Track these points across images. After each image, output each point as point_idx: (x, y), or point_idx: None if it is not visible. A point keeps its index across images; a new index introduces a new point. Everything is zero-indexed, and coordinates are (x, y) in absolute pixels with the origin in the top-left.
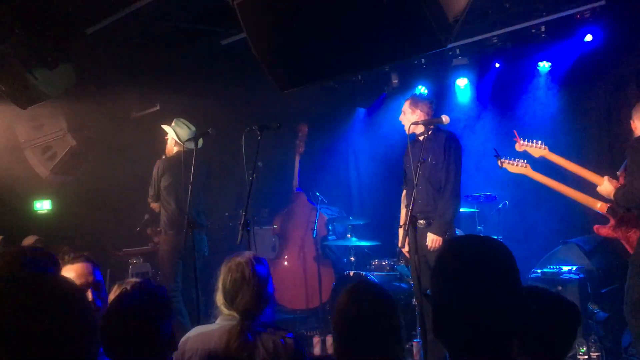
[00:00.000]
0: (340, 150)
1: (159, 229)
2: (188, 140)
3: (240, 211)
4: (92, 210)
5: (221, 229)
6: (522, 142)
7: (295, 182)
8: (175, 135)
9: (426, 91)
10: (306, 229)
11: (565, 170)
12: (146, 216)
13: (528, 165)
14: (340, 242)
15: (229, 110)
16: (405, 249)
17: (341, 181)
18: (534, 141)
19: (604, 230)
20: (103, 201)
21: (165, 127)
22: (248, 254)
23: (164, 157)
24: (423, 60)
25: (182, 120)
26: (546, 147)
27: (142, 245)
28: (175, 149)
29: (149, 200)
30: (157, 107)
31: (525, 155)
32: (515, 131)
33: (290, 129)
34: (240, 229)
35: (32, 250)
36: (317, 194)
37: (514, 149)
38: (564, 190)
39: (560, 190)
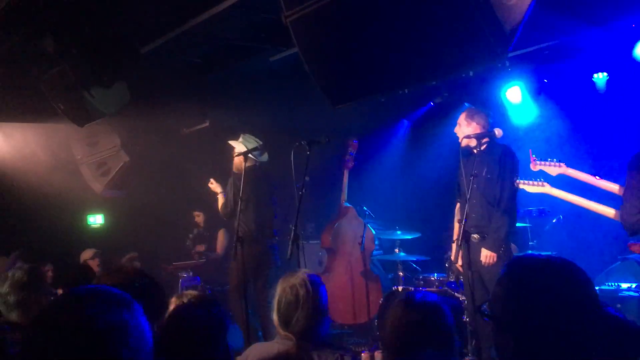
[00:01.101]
0: (388, 163)
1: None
2: (252, 152)
3: (290, 226)
4: (143, 224)
5: None
6: (537, 162)
7: (344, 197)
8: (245, 149)
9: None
10: (354, 243)
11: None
12: (193, 232)
13: (546, 183)
14: (388, 257)
15: (277, 125)
16: (459, 264)
17: (389, 195)
18: (550, 160)
19: (636, 247)
20: (153, 215)
21: (233, 142)
22: (302, 275)
23: (235, 173)
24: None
25: (249, 135)
26: (563, 164)
27: (190, 259)
28: (246, 164)
29: (222, 214)
30: (207, 124)
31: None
32: (530, 151)
33: (338, 143)
34: (290, 243)
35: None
36: (365, 208)
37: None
38: (588, 205)
39: (583, 205)
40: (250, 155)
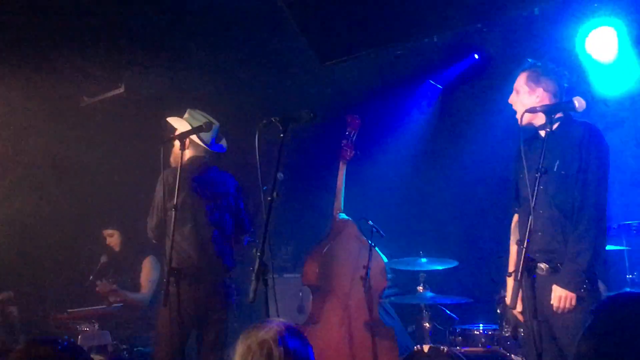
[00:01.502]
0: (406, 153)
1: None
2: (199, 134)
3: (254, 251)
4: (21, 248)
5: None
6: None
7: (338, 205)
8: (190, 132)
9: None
10: (354, 278)
11: None
12: (102, 259)
13: None
14: (408, 299)
15: (236, 94)
16: (518, 309)
17: (408, 201)
18: None
19: None
20: (37, 234)
21: (172, 120)
22: (276, 327)
23: (170, 168)
24: (536, 10)
25: (199, 111)
26: None
27: (96, 304)
28: (190, 154)
29: (150, 234)
30: (122, 89)
31: None
32: None
33: (330, 121)
34: (253, 278)
35: None
36: (370, 222)
37: None
38: None
39: None
40: (196, 139)
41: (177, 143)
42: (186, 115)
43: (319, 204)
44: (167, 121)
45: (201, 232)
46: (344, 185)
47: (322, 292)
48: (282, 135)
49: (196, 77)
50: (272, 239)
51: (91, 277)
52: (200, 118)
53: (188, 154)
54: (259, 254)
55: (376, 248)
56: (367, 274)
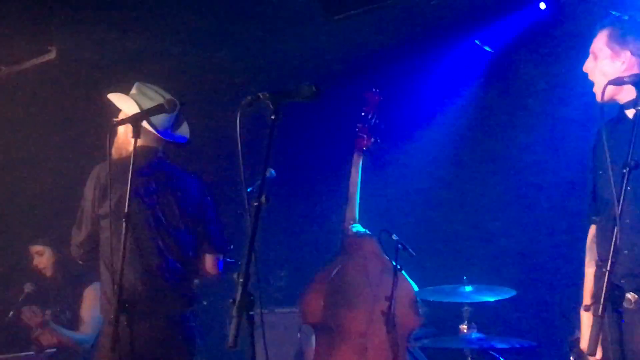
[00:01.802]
0: (441, 144)
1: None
2: (152, 116)
3: (234, 276)
4: None
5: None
6: None
7: (352, 213)
8: (138, 109)
9: None
10: (372, 313)
11: None
12: (27, 288)
13: None
14: (448, 343)
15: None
16: (597, 357)
17: (445, 209)
18: None
19: None
20: None
21: (114, 97)
22: None
23: (106, 160)
24: None
25: (149, 86)
26: None
27: (20, 349)
28: (136, 143)
29: (74, 252)
30: (52, 55)
31: None
32: None
33: (341, 99)
34: (233, 314)
35: None
36: (395, 237)
37: None
38: None
39: None
40: (147, 125)
41: (121, 129)
42: (133, 91)
43: (323, 212)
44: (108, 99)
45: (148, 251)
46: (359, 186)
47: (328, 333)
48: (272, 117)
49: (152, 36)
50: (260, 259)
51: (11, 312)
52: (154, 95)
53: (141, 142)
54: (241, 280)
55: (403, 272)
56: (390, 307)
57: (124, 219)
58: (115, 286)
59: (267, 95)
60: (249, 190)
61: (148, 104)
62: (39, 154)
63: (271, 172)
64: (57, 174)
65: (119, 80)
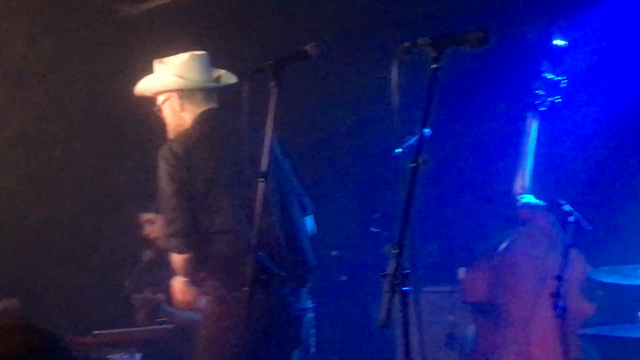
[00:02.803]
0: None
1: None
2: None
3: (387, 247)
4: (27, 238)
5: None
6: None
7: (523, 181)
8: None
9: None
10: (537, 295)
11: None
12: (145, 256)
13: None
14: (626, 332)
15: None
16: None
17: (631, 176)
18: None
19: None
20: (49, 218)
21: (151, 79)
22: None
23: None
24: None
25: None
26: None
27: (135, 323)
28: (198, 110)
29: (171, 242)
30: None
31: None
32: None
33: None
34: (386, 289)
35: None
36: (567, 207)
37: None
38: None
39: None
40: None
41: (172, 105)
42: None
43: (485, 180)
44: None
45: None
46: (533, 152)
47: (492, 315)
48: (433, 66)
49: None
50: (413, 231)
51: (127, 282)
52: (191, 62)
53: (192, 111)
54: (394, 252)
55: (576, 249)
56: (559, 289)
57: (262, 179)
58: (252, 255)
59: (428, 40)
60: (397, 151)
61: (179, 68)
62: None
63: (426, 130)
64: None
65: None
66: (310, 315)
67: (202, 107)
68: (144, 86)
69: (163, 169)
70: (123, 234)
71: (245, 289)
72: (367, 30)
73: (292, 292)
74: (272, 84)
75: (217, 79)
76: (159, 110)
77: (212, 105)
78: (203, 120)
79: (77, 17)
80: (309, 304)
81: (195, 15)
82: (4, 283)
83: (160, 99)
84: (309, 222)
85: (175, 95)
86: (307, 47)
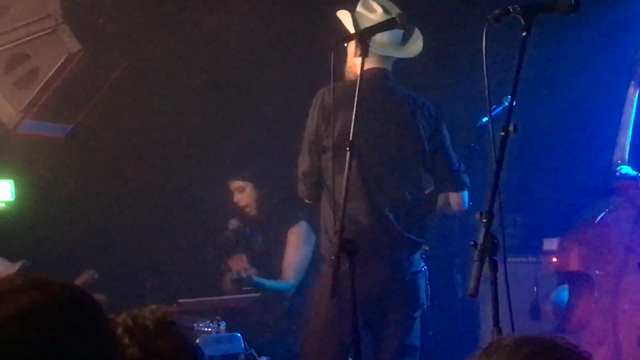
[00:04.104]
0: None
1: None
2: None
3: (477, 215)
4: (111, 204)
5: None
6: None
7: (621, 152)
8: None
9: None
10: (625, 265)
11: None
12: (232, 225)
13: None
14: None
15: None
16: None
17: None
18: None
19: None
20: (133, 186)
21: (341, 15)
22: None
23: (338, 83)
24: None
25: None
26: None
27: (219, 292)
28: (365, 63)
29: (300, 188)
30: None
31: None
32: None
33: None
34: (475, 258)
35: None
36: None
37: None
38: None
39: None
40: (381, 38)
41: (350, 49)
42: (359, 8)
43: (578, 150)
44: (337, 16)
45: (375, 185)
46: (632, 123)
47: (585, 286)
48: (524, 34)
49: None
50: (502, 200)
51: (211, 247)
52: (377, 9)
53: (368, 66)
54: (484, 220)
55: None
56: None
57: (347, 148)
58: (338, 223)
59: (518, 8)
60: (483, 120)
61: (367, 22)
62: (251, 75)
63: (508, 98)
64: (270, 99)
65: None
66: (423, 277)
67: (372, 64)
68: (341, 13)
69: (310, 110)
70: (208, 202)
71: (332, 257)
72: None
73: (406, 257)
74: None
75: (400, 45)
76: (337, 42)
77: (382, 65)
78: (364, 78)
79: None
80: (422, 267)
81: None
82: (88, 253)
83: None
84: (464, 197)
85: (354, 41)
86: (395, 16)
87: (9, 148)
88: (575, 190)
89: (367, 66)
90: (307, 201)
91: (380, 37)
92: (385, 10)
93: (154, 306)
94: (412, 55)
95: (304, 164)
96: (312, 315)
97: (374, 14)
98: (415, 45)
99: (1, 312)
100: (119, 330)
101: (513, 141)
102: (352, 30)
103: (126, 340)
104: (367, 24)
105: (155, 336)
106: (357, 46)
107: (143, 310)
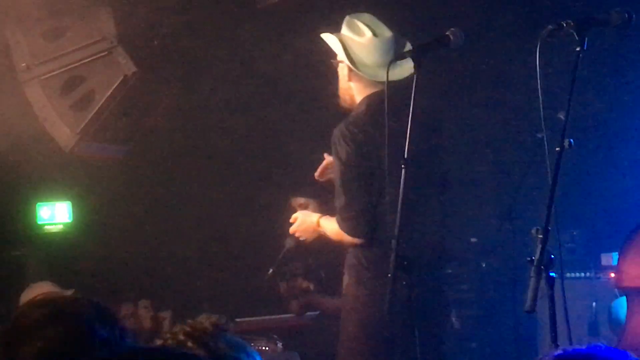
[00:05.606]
0: None
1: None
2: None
3: (532, 231)
4: (164, 226)
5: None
6: None
7: None
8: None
9: None
10: None
11: None
12: (287, 243)
13: None
14: None
15: None
16: None
17: None
18: None
19: None
20: (188, 205)
21: (326, 37)
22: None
23: (349, 118)
24: None
25: (360, 17)
26: None
27: (277, 311)
28: (355, 88)
29: (360, 227)
30: None
31: None
32: None
33: None
34: (532, 274)
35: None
36: None
37: None
38: None
39: None
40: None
41: (343, 72)
42: (345, 31)
43: (636, 162)
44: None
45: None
46: None
47: None
48: (577, 49)
49: None
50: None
51: (270, 270)
52: (367, 32)
53: (359, 89)
54: (540, 236)
55: None
56: None
57: (402, 166)
58: (393, 241)
59: (572, 23)
60: (538, 136)
61: (357, 47)
62: (315, 90)
63: (562, 114)
64: (336, 116)
65: None
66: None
67: (370, 89)
68: (327, 37)
69: (343, 150)
70: (267, 220)
71: (388, 274)
72: (508, 13)
73: (446, 276)
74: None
75: (390, 67)
76: (337, 64)
77: (380, 87)
78: (368, 104)
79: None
80: (462, 286)
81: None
82: (145, 273)
83: (338, 57)
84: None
85: (344, 65)
86: (449, 33)
87: (66, 170)
88: (634, 204)
89: (368, 92)
90: (358, 240)
91: (368, 58)
92: (373, 31)
93: (204, 314)
94: (401, 78)
95: (359, 201)
96: (361, 335)
97: (363, 38)
98: (405, 68)
99: (29, 349)
100: (180, 337)
101: (569, 155)
102: (342, 54)
103: (190, 344)
104: (357, 49)
105: (216, 337)
106: (349, 70)
107: (196, 319)
